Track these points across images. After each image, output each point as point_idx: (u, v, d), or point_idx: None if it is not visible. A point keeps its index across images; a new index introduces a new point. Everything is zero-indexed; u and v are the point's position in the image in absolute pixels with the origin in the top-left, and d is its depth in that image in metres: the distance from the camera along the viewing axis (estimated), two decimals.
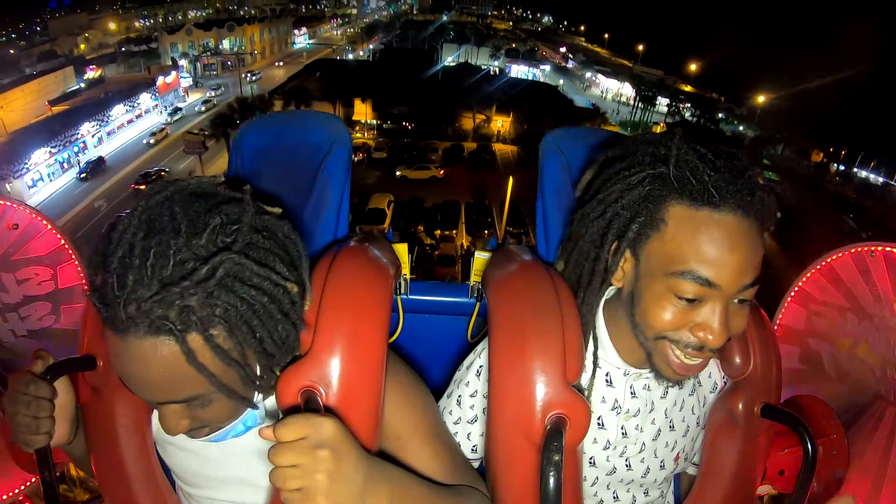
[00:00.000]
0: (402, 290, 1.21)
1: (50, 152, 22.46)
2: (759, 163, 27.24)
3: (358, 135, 27.03)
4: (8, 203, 1.35)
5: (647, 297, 0.76)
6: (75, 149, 24.04)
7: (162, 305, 0.59)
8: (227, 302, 0.63)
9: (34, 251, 1.36)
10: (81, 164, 23.08)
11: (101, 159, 24.05)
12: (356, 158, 22.43)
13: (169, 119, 29.47)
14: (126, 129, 27.28)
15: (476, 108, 28.43)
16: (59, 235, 1.38)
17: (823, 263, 1.35)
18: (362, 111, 27.68)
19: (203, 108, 31.29)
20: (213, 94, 34.16)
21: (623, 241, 0.77)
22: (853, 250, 1.30)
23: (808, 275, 1.38)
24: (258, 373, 0.71)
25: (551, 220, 1.08)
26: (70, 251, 1.39)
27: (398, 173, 22.33)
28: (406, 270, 1.17)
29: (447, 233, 17.53)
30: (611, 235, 0.79)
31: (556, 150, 1.11)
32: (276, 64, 40.49)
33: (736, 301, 0.73)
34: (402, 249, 1.12)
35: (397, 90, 28.32)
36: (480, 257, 1.16)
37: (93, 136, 25.47)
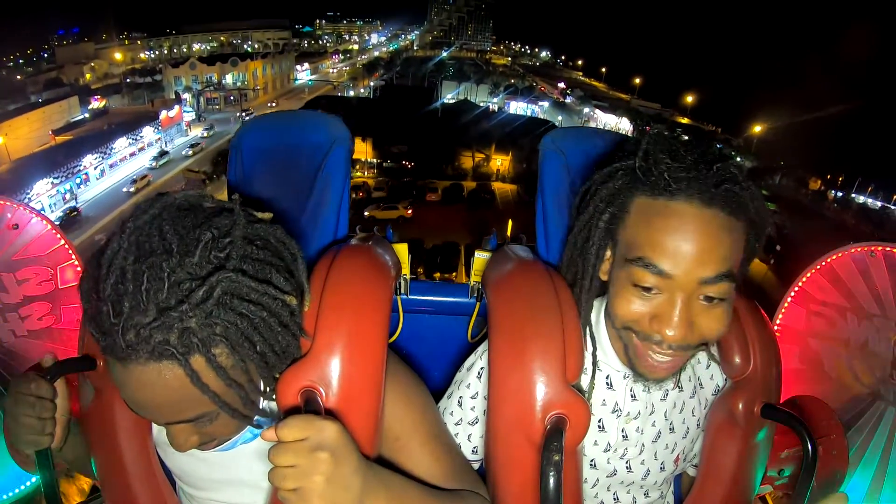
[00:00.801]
0: (402, 290, 1.21)
1: (52, 183, 22.31)
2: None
3: (358, 174, 26.57)
4: (8, 203, 1.36)
5: (613, 287, 0.77)
6: (77, 180, 23.93)
7: (161, 330, 0.58)
8: (227, 320, 0.62)
9: (34, 251, 1.36)
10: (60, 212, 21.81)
11: (74, 210, 22.40)
12: (355, 197, 22.29)
13: (153, 164, 27.31)
14: (119, 166, 26.90)
15: (475, 147, 28.21)
16: (59, 235, 1.39)
17: (823, 263, 1.35)
18: (362, 150, 27.31)
19: (190, 153, 29.17)
20: (206, 133, 32.72)
21: (597, 231, 0.79)
22: (853, 250, 1.31)
23: (809, 275, 1.38)
24: (261, 385, 0.71)
25: (551, 220, 1.08)
26: (70, 251, 1.40)
27: (367, 213, 22.05)
28: (406, 270, 1.17)
29: (446, 276, 17.08)
30: (592, 229, 0.80)
31: (556, 150, 1.11)
32: (269, 104, 39.60)
33: (702, 298, 0.70)
34: (402, 249, 1.12)
35: (397, 128, 28.05)
36: (480, 257, 1.16)
37: (95, 168, 25.38)
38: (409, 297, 1.23)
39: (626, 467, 0.90)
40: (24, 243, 1.35)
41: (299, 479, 0.58)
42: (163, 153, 28.51)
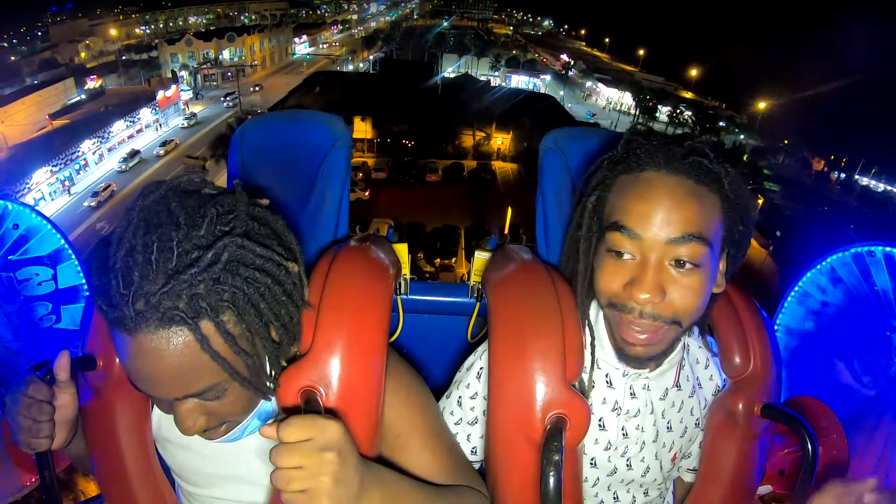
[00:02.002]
0: (402, 290, 1.21)
1: (51, 171, 22.01)
2: (760, 175, 27.20)
3: (358, 153, 25.48)
4: (8, 203, 1.36)
5: (597, 263, 0.80)
6: (76, 166, 23.57)
7: (170, 296, 0.59)
8: (234, 286, 0.63)
9: (34, 251, 1.36)
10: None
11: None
12: (355, 177, 21.61)
13: (123, 166, 24.11)
14: (117, 150, 25.77)
15: (476, 125, 27.87)
16: (59, 235, 1.39)
17: (823, 263, 1.35)
18: (362, 129, 26.91)
19: (161, 152, 26.04)
20: (185, 123, 30.06)
21: (586, 216, 0.83)
22: (853, 250, 1.31)
23: (809, 275, 1.38)
24: (267, 367, 0.71)
25: (551, 220, 1.08)
26: (70, 251, 1.40)
27: None
28: (406, 270, 1.17)
29: (446, 262, 16.87)
30: (583, 216, 0.84)
31: (556, 150, 1.11)
32: (253, 89, 36.59)
33: (673, 263, 0.73)
34: (402, 249, 1.12)
35: (397, 106, 27.77)
36: (480, 257, 1.16)
37: (94, 154, 24.61)
38: (409, 297, 1.23)
39: (627, 465, 0.91)
40: (24, 243, 1.35)
41: (306, 480, 0.58)
42: (133, 153, 25.32)
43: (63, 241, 1.39)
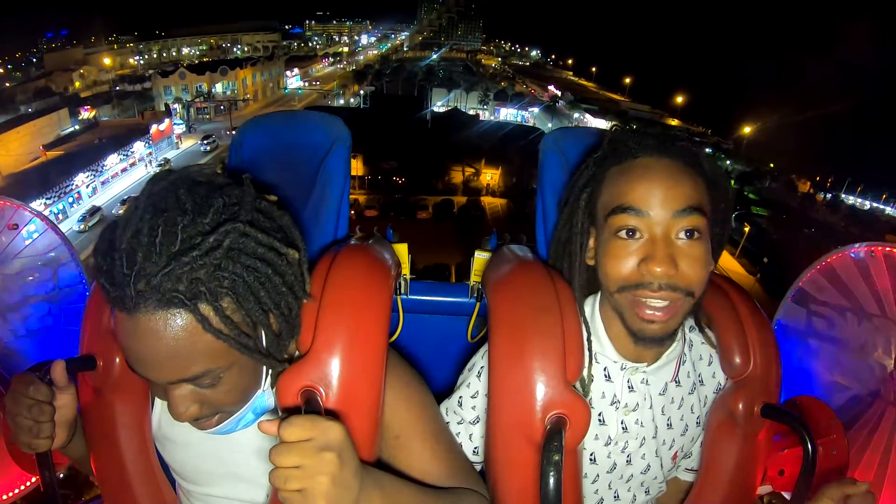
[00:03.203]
0: (402, 290, 1.21)
1: (45, 204, 21.41)
2: (747, 201, 27.31)
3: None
4: (8, 203, 1.36)
5: (602, 253, 0.82)
6: (70, 199, 23.45)
7: (171, 278, 0.60)
8: (235, 273, 0.64)
9: (34, 251, 1.36)
10: None
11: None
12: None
13: (82, 225, 21.57)
14: (110, 183, 25.87)
15: (465, 161, 27.88)
16: (58, 235, 1.39)
17: (823, 263, 1.35)
18: (353, 166, 26.26)
19: (122, 211, 20.77)
20: (152, 169, 26.94)
21: (578, 212, 0.87)
22: (853, 250, 1.31)
23: (808, 275, 1.38)
24: (266, 346, 0.72)
25: (551, 221, 1.08)
26: (70, 251, 1.39)
27: None
28: (406, 270, 1.17)
29: None
30: (574, 214, 0.88)
31: (556, 150, 1.11)
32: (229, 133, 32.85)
33: (680, 234, 0.77)
34: (402, 249, 1.12)
35: (387, 142, 27.53)
36: (480, 257, 1.16)
37: (87, 187, 24.69)
38: (409, 297, 1.23)
39: (627, 461, 0.91)
40: (24, 243, 1.35)
41: (304, 479, 0.58)
42: (94, 210, 22.97)
43: (63, 241, 1.39)
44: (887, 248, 1.25)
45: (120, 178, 26.61)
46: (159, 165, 27.63)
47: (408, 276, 1.20)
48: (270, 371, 0.77)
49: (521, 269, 0.91)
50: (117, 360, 0.84)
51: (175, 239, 0.61)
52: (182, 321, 0.62)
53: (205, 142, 31.89)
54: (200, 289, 0.62)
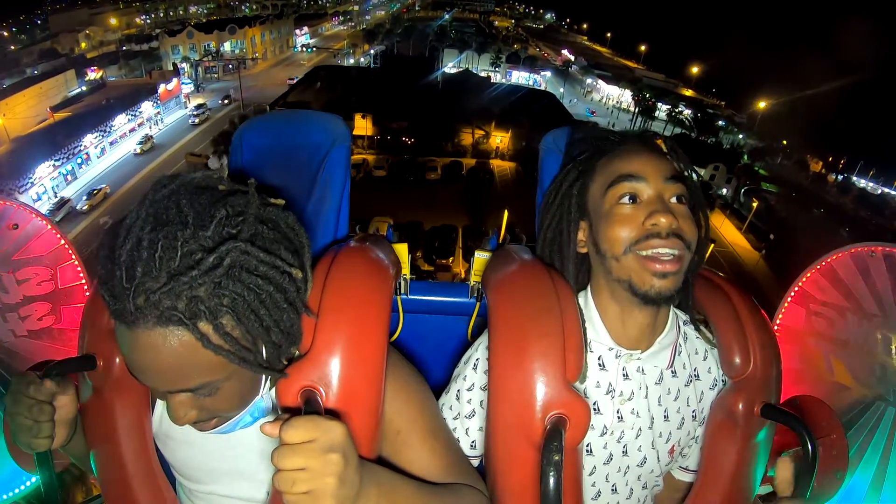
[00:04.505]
0: (402, 290, 1.21)
1: (53, 165, 21.78)
2: (755, 176, 27.18)
3: (358, 150, 25.50)
4: (8, 203, 1.35)
5: (601, 226, 0.88)
6: (78, 160, 23.50)
7: (170, 296, 0.60)
8: (235, 291, 0.63)
9: (34, 251, 1.36)
10: None
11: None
12: (355, 176, 21.45)
13: (139, 149, 22.67)
14: (119, 143, 26.06)
15: (475, 123, 27.69)
16: (59, 235, 1.38)
17: (823, 263, 1.35)
18: (363, 126, 26.72)
19: (86, 206, 20.76)
20: (139, 149, 25.85)
21: (569, 202, 0.94)
22: (853, 250, 1.31)
23: (808, 275, 1.38)
24: (265, 357, 0.71)
25: None
26: (70, 251, 1.39)
27: None
28: (406, 270, 1.17)
29: (443, 261, 16.71)
30: (565, 206, 0.95)
31: (556, 150, 1.11)
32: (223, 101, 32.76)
33: (671, 200, 0.85)
34: (402, 249, 1.12)
35: (397, 102, 27.43)
36: (480, 257, 1.16)
37: (95, 147, 24.75)
38: (409, 297, 1.23)
39: (623, 451, 0.91)
40: (24, 243, 1.35)
41: (311, 481, 0.58)
42: (62, 203, 20.85)
43: (63, 241, 1.39)
44: (887, 248, 1.25)
45: (128, 137, 25.85)
46: (140, 143, 26.74)
47: (408, 276, 1.20)
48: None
49: (521, 270, 0.92)
50: (117, 360, 0.84)
51: (175, 254, 0.60)
52: (181, 338, 0.61)
53: (193, 113, 30.27)
54: (200, 307, 0.61)
